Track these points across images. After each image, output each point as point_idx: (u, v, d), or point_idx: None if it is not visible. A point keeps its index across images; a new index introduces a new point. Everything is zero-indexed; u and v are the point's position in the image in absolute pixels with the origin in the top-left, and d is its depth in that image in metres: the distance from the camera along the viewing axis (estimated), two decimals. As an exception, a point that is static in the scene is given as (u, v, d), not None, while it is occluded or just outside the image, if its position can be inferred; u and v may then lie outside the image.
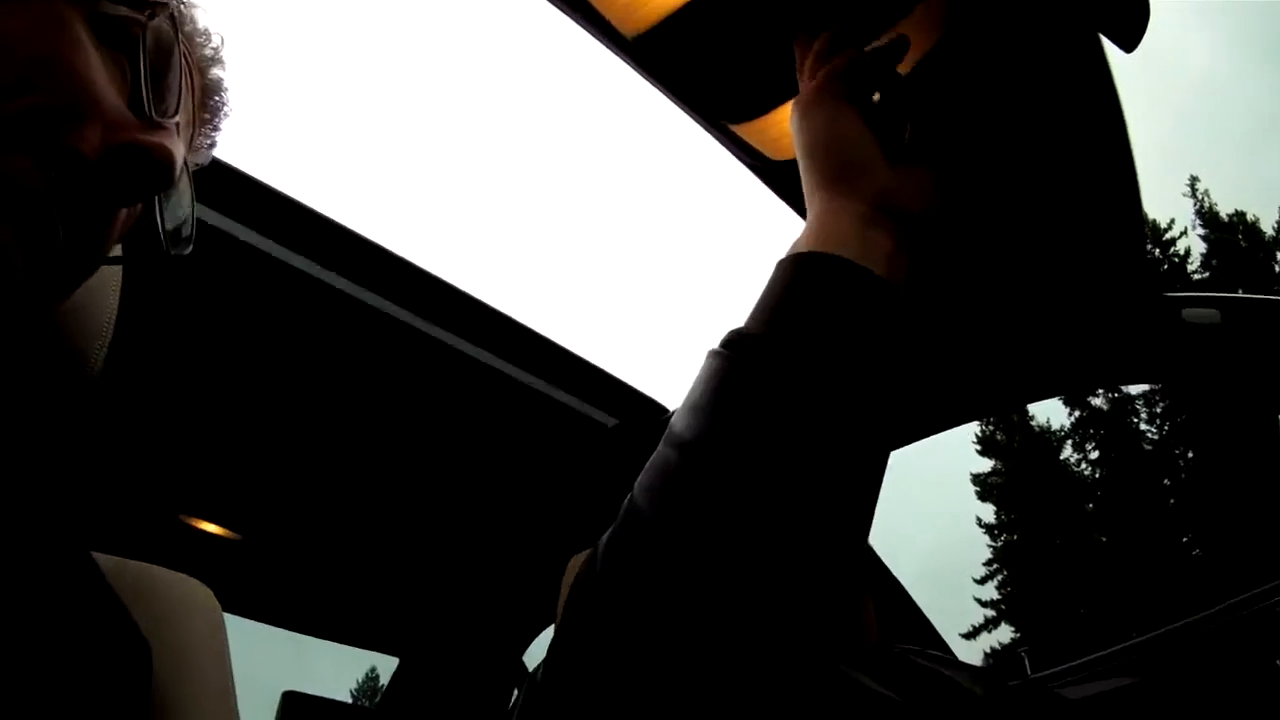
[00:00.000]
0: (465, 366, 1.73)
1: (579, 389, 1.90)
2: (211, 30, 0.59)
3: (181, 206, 0.55)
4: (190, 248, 0.56)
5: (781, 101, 1.04)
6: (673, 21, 0.95)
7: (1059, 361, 1.59)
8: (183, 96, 0.53)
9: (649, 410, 1.96)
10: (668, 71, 1.05)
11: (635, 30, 0.97)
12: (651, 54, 1.01)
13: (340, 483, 2.04)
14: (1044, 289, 1.44)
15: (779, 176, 1.29)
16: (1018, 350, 1.59)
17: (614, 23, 0.98)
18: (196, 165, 0.60)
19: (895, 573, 1.97)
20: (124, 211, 0.50)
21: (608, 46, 1.07)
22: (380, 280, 1.55)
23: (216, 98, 0.60)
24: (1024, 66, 1.07)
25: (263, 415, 1.79)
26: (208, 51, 0.58)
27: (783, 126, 1.10)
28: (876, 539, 1.89)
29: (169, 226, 0.53)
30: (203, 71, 0.58)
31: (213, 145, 0.62)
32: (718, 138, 1.23)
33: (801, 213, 1.38)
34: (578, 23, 1.06)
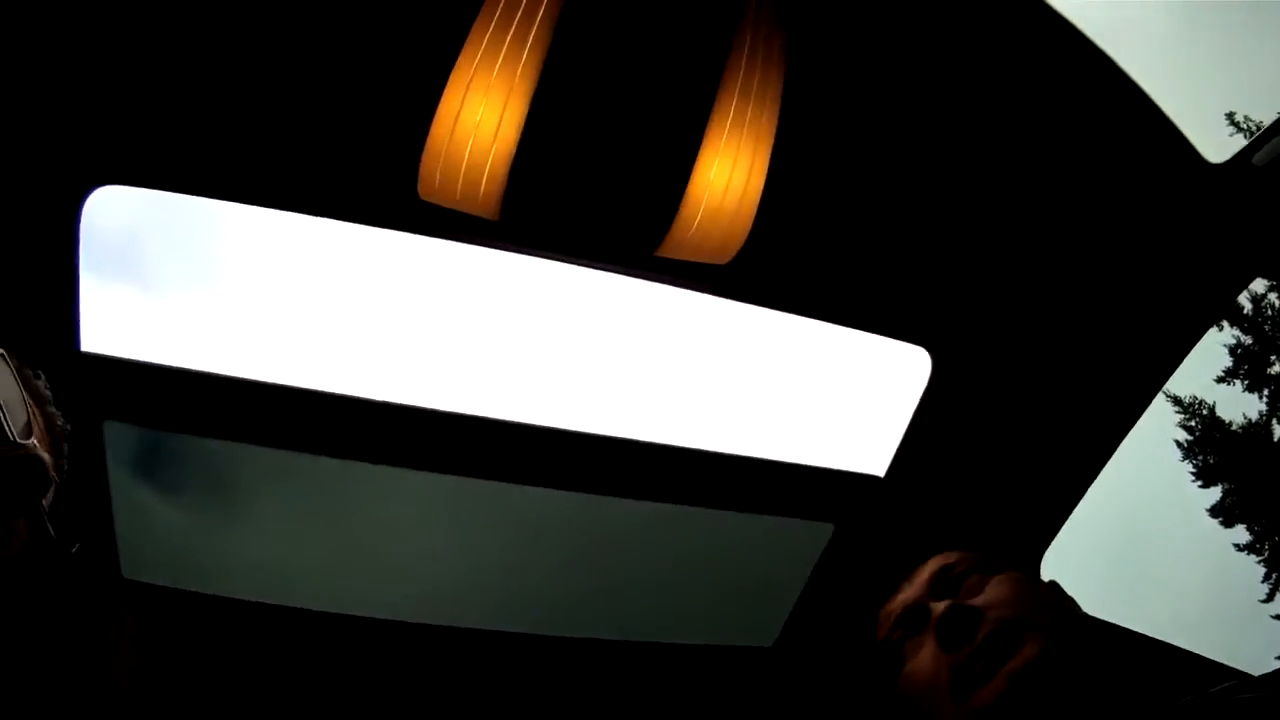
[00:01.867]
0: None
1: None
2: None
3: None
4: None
5: (680, 193, 0.92)
6: (519, 177, 0.85)
7: (1194, 297, 1.29)
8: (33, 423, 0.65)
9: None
10: (548, 236, 0.95)
11: (491, 206, 0.88)
12: (523, 226, 0.92)
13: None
14: (1133, 248, 1.21)
15: (737, 281, 1.08)
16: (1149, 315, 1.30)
17: (473, 212, 0.89)
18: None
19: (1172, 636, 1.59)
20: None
21: (491, 246, 0.99)
22: None
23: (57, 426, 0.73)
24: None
25: None
26: (46, 393, 0.72)
27: (706, 217, 0.97)
28: (1133, 616, 1.51)
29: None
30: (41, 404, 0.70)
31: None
32: (659, 279, 1.09)
33: (780, 307, 1.21)
34: (455, 239, 0.99)
